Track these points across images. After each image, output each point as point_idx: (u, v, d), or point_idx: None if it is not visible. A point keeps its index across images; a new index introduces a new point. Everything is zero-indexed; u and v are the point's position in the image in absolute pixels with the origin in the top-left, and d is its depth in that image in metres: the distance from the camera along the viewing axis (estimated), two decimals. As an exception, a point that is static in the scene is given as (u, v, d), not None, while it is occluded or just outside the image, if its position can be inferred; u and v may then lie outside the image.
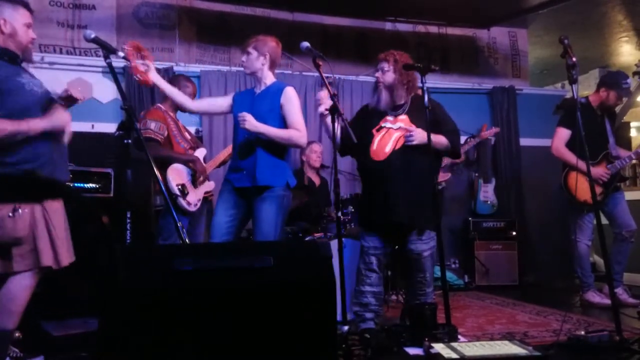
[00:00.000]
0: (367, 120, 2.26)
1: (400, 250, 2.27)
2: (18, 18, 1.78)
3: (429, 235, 2.18)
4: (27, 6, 1.84)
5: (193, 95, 2.67)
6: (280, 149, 2.19)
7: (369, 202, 2.21)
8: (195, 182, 2.56)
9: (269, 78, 2.24)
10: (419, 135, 2.11)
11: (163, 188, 1.75)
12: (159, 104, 2.66)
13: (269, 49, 2.20)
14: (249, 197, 2.17)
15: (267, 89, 2.23)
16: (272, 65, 2.25)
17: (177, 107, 2.67)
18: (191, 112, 2.47)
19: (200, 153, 2.69)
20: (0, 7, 1.77)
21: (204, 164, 2.62)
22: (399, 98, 2.24)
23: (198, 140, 2.87)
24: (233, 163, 2.26)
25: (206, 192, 2.67)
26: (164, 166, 2.41)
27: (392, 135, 2.18)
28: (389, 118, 2.23)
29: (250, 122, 2.08)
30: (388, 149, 2.17)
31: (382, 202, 2.13)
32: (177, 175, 2.47)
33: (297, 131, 2.14)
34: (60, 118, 1.76)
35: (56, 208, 1.80)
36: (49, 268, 1.73)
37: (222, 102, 2.35)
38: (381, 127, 2.21)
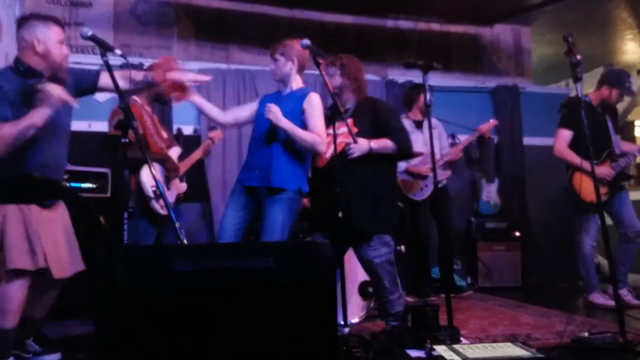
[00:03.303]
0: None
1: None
2: (51, 36, 1.79)
3: (379, 242, 2.13)
4: (58, 22, 1.85)
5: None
6: (296, 153, 2.16)
7: (312, 209, 2.20)
8: (168, 183, 2.50)
9: (295, 82, 2.24)
10: (359, 147, 2.12)
11: (162, 189, 1.73)
12: (134, 97, 2.50)
13: (296, 53, 2.19)
14: (259, 197, 2.14)
15: (293, 92, 2.22)
16: (300, 69, 2.25)
17: (155, 99, 2.56)
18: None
19: (174, 152, 2.61)
20: (33, 26, 1.78)
21: (175, 162, 2.54)
22: (346, 102, 2.25)
23: (174, 139, 2.78)
24: (246, 162, 2.24)
25: (178, 194, 2.60)
26: (137, 167, 2.32)
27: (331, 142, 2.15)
28: (336, 123, 2.22)
29: (275, 114, 2.05)
30: (328, 154, 2.18)
31: (322, 208, 2.11)
32: (151, 176, 2.38)
33: (319, 137, 2.12)
34: (52, 96, 1.70)
35: (41, 211, 1.77)
36: (19, 271, 1.70)
37: (251, 108, 2.31)
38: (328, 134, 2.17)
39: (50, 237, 1.79)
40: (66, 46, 1.85)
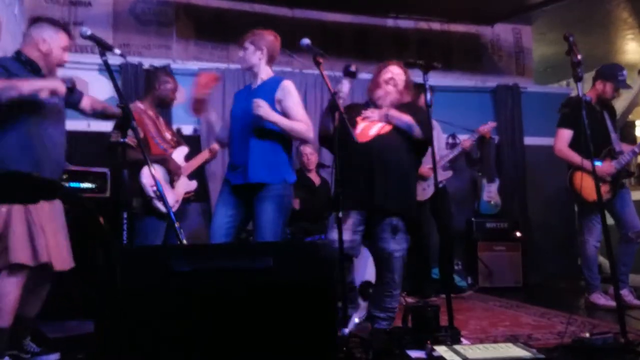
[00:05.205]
0: (352, 111, 2.27)
1: (371, 248, 2.26)
2: (57, 40, 1.89)
3: (402, 236, 2.19)
4: (67, 31, 1.95)
5: (174, 91, 2.61)
6: (275, 144, 2.13)
7: (347, 186, 2.14)
8: (172, 182, 2.50)
9: (265, 73, 2.20)
10: (377, 113, 2.21)
11: (161, 189, 1.74)
12: (137, 103, 2.59)
13: (266, 43, 2.16)
14: (247, 196, 2.12)
15: (264, 83, 2.19)
16: (270, 60, 2.20)
17: (159, 104, 2.62)
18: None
19: (181, 152, 2.62)
20: (43, 28, 1.89)
21: (177, 163, 2.54)
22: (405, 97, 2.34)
23: (181, 138, 2.80)
24: (230, 161, 2.22)
25: (187, 192, 2.61)
26: (137, 169, 2.37)
27: (375, 123, 2.22)
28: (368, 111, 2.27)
29: (264, 109, 2.03)
30: (372, 132, 2.20)
31: (364, 183, 2.12)
32: (150, 176, 2.39)
33: (305, 124, 2.11)
34: (51, 80, 1.78)
35: (43, 208, 1.80)
36: (20, 266, 1.73)
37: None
38: (365, 117, 2.24)
39: (52, 230, 1.81)
40: (66, 55, 1.94)
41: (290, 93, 2.12)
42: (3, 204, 1.74)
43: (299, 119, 2.10)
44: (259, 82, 2.20)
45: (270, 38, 2.17)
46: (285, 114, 2.11)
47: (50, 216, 1.83)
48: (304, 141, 2.26)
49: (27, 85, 1.72)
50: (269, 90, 2.13)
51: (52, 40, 1.86)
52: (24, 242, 1.73)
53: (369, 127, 2.22)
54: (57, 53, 1.87)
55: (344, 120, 1.97)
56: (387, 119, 2.20)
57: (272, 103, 2.10)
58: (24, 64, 1.82)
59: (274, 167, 2.11)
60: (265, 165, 2.09)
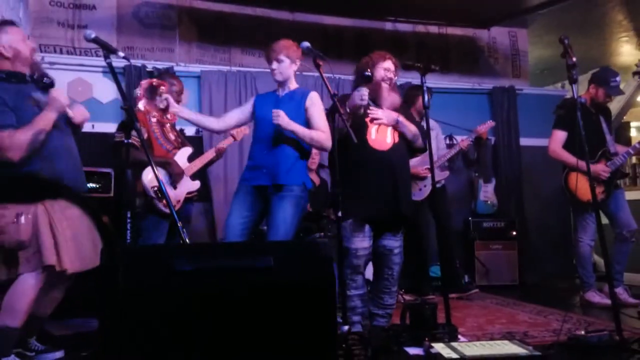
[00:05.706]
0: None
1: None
2: (13, 37, 1.85)
3: (400, 234, 2.29)
4: (13, 23, 1.92)
5: (180, 93, 2.65)
6: (300, 150, 2.22)
7: (369, 193, 2.18)
8: (174, 184, 2.54)
9: (292, 83, 2.30)
10: (387, 115, 2.24)
11: (164, 190, 1.77)
12: (141, 105, 2.63)
13: (297, 55, 2.25)
14: (266, 196, 2.18)
15: (292, 92, 2.27)
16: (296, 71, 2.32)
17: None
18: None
19: (185, 153, 2.65)
20: None
21: (180, 166, 2.57)
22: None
23: (185, 139, 2.82)
24: (251, 162, 2.26)
25: (189, 193, 2.63)
26: (140, 169, 2.41)
27: (386, 128, 2.26)
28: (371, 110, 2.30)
29: (284, 119, 2.11)
30: (389, 140, 2.24)
31: (388, 192, 2.17)
32: (153, 177, 2.42)
33: (324, 133, 2.18)
34: (58, 101, 1.84)
35: (58, 209, 1.83)
36: (52, 268, 1.76)
37: (244, 110, 2.36)
38: (373, 120, 2.27)
39: (68, 231, 1.83)
40: (30, 41, 1.94)
41: (316, 103, 2.23)
42: (29, 205, 1.76)
43: (321, 128, 2.19)
44: (286, 90, 2.28)
45: (299, 51, 2.24)
46: (309, 120, 2.21)
47: (70, 215, 1.85)
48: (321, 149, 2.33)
49: (47, 121, 1.80)
50: (298, 100, 2.23)
51: (11, 40, 1.83)
52: (51, 245, 1.76)
53: (383, 133, 2.24)
54: (23, 47, 1.86)
55: (346, 124, 2.01)
56: (395, 124, 2.25)
57: (302, 111, 2.20)
58: (8, 80, 1.81)
59: (297, 171, 2.20)
60: (290, 169, 2.17)
